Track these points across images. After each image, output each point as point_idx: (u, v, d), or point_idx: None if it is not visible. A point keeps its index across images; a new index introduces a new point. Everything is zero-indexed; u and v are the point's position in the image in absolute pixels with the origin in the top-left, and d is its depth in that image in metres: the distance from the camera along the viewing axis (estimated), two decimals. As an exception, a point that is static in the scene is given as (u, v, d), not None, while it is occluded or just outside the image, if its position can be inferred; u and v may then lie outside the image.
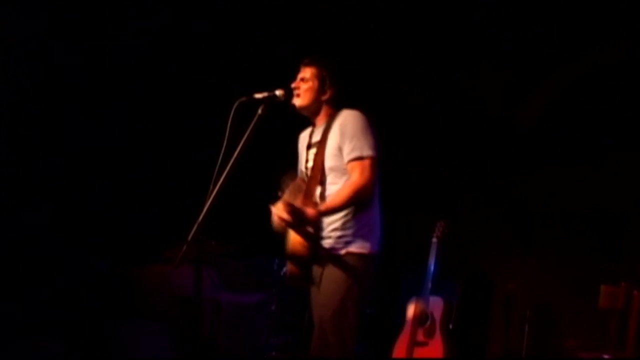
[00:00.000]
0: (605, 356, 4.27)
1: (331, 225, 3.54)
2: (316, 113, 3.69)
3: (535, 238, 5.26)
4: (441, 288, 5.24)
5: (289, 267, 3.68)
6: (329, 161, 3.59)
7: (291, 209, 3.41)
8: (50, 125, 5.55)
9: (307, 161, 3.73)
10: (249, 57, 5.70)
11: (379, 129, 3.62)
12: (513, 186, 5.51)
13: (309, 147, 3.74)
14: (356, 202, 3.50)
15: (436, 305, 5.18)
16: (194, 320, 4.86)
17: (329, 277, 3.52)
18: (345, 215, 3.52)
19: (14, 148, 5.47)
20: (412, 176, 5.90)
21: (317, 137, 3.68)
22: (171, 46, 5.64)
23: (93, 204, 5.69)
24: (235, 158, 3.32)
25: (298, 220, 3.44)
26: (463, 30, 5.51)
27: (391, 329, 5.31)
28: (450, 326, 5.16)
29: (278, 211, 3.48)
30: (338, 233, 3.53)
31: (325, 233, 3.54)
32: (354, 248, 3.52)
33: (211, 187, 3.30)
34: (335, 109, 3.66)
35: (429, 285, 5.20)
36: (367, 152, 3.50)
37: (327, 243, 3.53)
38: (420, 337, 5.13)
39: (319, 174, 3.61)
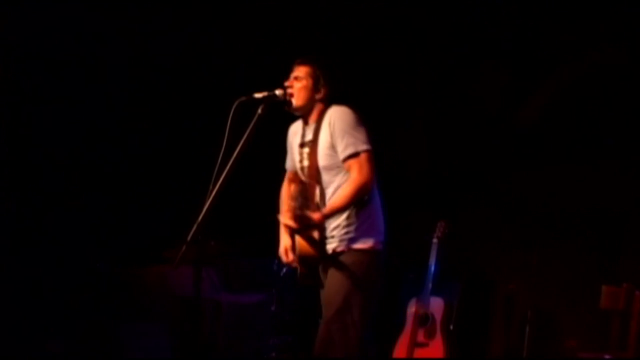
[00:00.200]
0: (606, 357, 4.26)
1: (333, 223, 3.53)
2: (310, 111, 3.66)
3: (536, 238, 5.25)
4: (442, 288, 5.23)
5: (299, 268, 3.69)
6: (322, 160, 3.57)
7: (297, 216, 3.41)
8: (50, 125, 5.54)
9: (301, 160, 3.71)
10: (248, 57, 5.69)
11: (381, 129, 3.61)
12: (513, 186, 5.50)
13: (302, 145, 3.71)
14: (359, 198, 3.49)
15: (437, 305, 5.17)
16: (193, 320, 4.87)
17: (333, 276, 3.52)
18: (347, 213, 3.52)
19: (14, 148, 5.46)
20: (412, 176, 5.89)
21: (309, 136, 3.66)
22: (171, 46, 5.64)
23: (92, 204, 5.68)
24: (235, 158, 3.31)
25: (304, 225, 3.45)
26: (463, 30, 5.51)
27: (391, 330, 5.30)
28: (451, 327, 5.15)
29: (285, 220, 3.52)
30: (341, 231, 3.53)
31: (328, 232, 3.54)
32: (357, 244, 3.52)
33: (211, 187, 3.29)
34: (327, 106, 3.63)
35: (430, 285, 5.19)
36: (361, 146, 3.48)
37: (331, 242, 3.54)
38: (420, 337, 5.12)
39: (315, 174, 3.59)
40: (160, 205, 5.76)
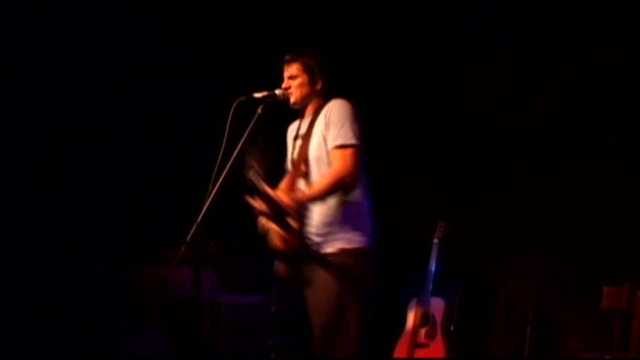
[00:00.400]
0: (608, 357, 4.24)
1: (317, 219, 3.42)
2: (307, 105, 3.60)
3: (537, 238, 5.24)
4: (442, 289, 5.22)
5: (278, 267, 3.55)
6: (314, 151, 3.48)
7: (266, 198, 3.29)
8: (50, 125, 5.52)
9: (292, 152, 3.63)
10: (248, 57, 5.68)
11: (379, 127, 3.58)
12: (514, 186, 5.49)
13: (295, 138, 3.64)
14: (336, 191, 3.38)
15: (437, 306, 5.16)
16: (192, 321, 4.85)
17: (322, 280, 3.41)
18: (331, 209, 3.41)
19: (14, 147, 5.45)
20: (412, 176, 5.88)
21: (303, 129, 3.58)
22: (171, 46, 5.62)
23: (91, 204, 5.67)
24: (235, 158, 3.29)
25: (275, 210, 3.32)
26: (464, 30, 5.50)
27: (392, 330, 5.29)
28: (452, 327, 5.13)
29: (253, 201, 3.35)
30: (325, 229, 3.41)
31: (311, 229, 3.42)
32: (343, 244, 3.40)
33: (210, 187, 3.28)
34: (325, 99, 3.56)
35: (430, 286, 5.18)
36: (351, 140, 3.39)
37: (315, 240, 3.43)
38: (421, 338, 5.11)
39: (301, 166, 3.50)
40: (160, 205, 5.75)
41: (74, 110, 5.59)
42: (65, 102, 5.55)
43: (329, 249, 3.42)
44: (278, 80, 3.61)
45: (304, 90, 3.57)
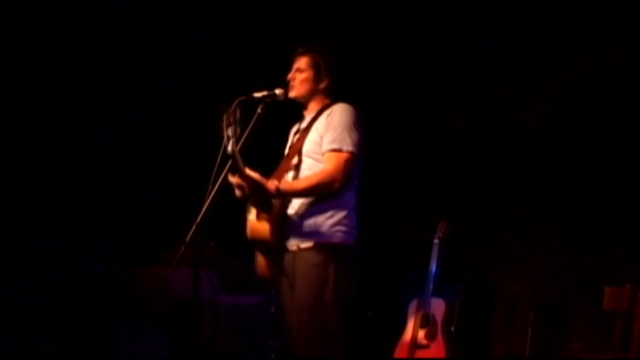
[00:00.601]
0: (609, 358, 4.24)
1: (296, 210, 3.41)
2: (310, 101, 3.60)
3: (538, 239, 5.23)
4: (443, 289, 5.21)
5: (258, 263, 3.53)
6: (307, 145, 3.48)
7: (250, 178, 3.29)
8: (50, 125, 5.51)
9: (289, 145, 3.64)
10: (248, 57, 5.67)
11: (377, 128, 3.57)
12: (514, 186, 5.49)
13: (296, 133, 3.66)
14: (320, 192, 3.38)
15: (438, 306, 5.15)
16: (192, 322, 4.84)
17: (301, 277, 3.38)
18: (311, 202, 3.40)
19: (14, 147, 5.44)
20: (412, 176, 5.87)
21: (305, 124, 3.60)
22: (171, 46, 5.62)
23: (91, 204, 5.66)
24: (235, 158, 3.28)
25: (256, 191, 3.31)
26: (464, 30, 5.50)
27: (392, 331, 5.28)
28: (452, 328, 5.12)
29: (236, 180, 3.34)
30: (304, 221, 3.40)
31: (290, 220, 3.41)
32: (321, 238, 3.38)
33: (210, 187, 3.27)
34: (329, 99, 3.57)
35: (431, 286, 5.17)
36: (347, 147, 3.39)
37: (293, 232, 3.41)
38: (421, 339, 5.09)
39: (294, 156, 3.50)
40: (159, 205, 5.74)
41: (74, 111, 5.59)
42: (65, 100, 5.54)
43: (307, 242, 3.40)
44: (278, 80, 3.60)
45: (307, 86, 3.57)
